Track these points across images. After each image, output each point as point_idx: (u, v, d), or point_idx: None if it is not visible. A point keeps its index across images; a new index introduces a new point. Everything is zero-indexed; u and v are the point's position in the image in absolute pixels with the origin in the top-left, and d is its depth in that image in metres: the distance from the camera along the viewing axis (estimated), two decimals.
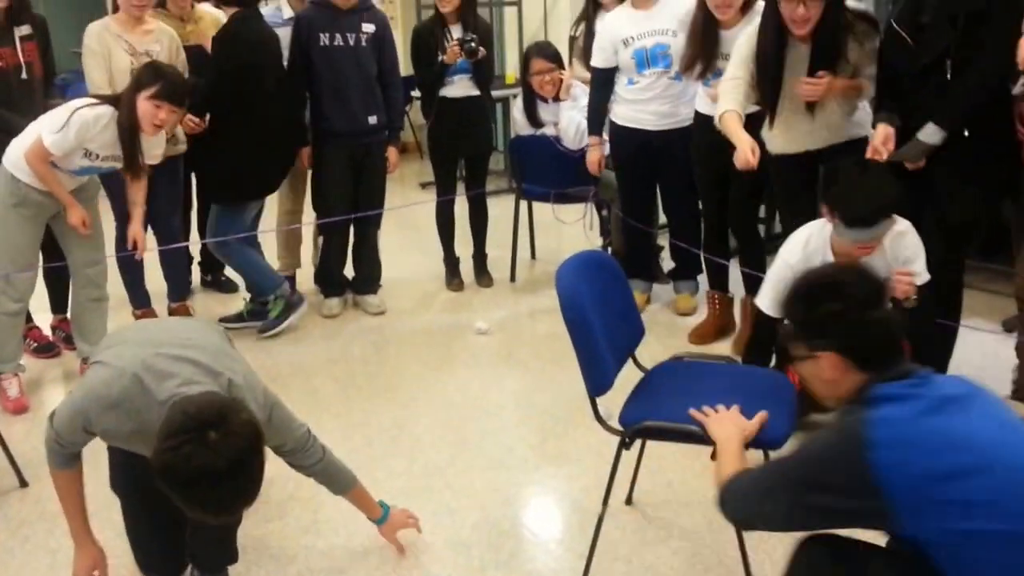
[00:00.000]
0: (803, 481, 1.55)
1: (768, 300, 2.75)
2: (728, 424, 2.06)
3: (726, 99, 3.04)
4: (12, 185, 3.24)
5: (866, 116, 3.13)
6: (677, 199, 4.03)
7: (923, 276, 2.68)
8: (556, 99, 4.31)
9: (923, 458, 1.44)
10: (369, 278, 4.36)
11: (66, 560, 2.46)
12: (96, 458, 3.05)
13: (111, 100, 3.23)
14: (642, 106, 3.81)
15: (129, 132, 3.19)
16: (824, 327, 1.61)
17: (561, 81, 4.29)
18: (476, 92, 4.29)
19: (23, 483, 2.86)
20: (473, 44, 4.10)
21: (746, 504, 1.71)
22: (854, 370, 1.60)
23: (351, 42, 3.93)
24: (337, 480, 2.33)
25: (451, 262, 4.64)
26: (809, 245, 2.70)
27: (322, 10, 3.92)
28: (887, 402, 1.52)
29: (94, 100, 3.22)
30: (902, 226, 2.69)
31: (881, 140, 2.86)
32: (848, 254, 2.58)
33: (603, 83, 3.88)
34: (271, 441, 2.07)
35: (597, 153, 3.98)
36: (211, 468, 1.68)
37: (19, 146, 3.22)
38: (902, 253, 2.70)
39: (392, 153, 4.17)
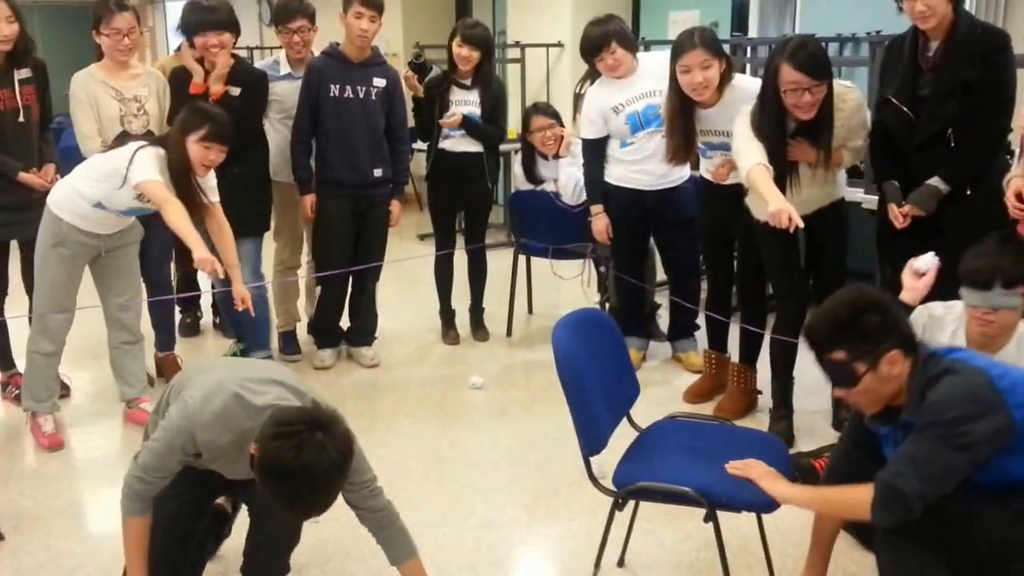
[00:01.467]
0: (958, 420, 1.79)
1: None
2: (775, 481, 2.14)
3: (749, 155, 2.97)
4: (55, 225, 3.24)
5: (842, 178, 3.31)
6: (674, 257, 4.04)
7: None
8: (556, 156, 4.36)
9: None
10: (364, 330, 4.35)
11: None
12: (79, 510, 3.02)
13: (157, 142, 3.22)
14: (638, 166, 3.85)
15: (181, 173, 3.16)
16: (880, 334, 1.88)
17: (562, 137, 4.35)
18: (476, 148, 4.31)
19: None
20: (421, 61, 4.27)
21: (915, 477, 1.83)
22: (909, 357, 1.90)
23: (361, 95, 3.96)
24: (397, 541, 2.23)
25: (447, 315, 4.63)
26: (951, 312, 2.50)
27: (334, 61, 3.97)
28: (954, 352, 1.90)
29: (144, 142, 3.20)
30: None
31: (897, 211, 3.01)
32: (972, 337, 2.40)
33: (596, 153, 3.92)
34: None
35: (603, 221, 3.96)
36: (315, 465, 1.81)
37: (65, 186, 3.23)
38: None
39: (395, 207, 4.17)
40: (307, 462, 1.81)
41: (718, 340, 3.82)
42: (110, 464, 3.32)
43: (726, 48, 3.51)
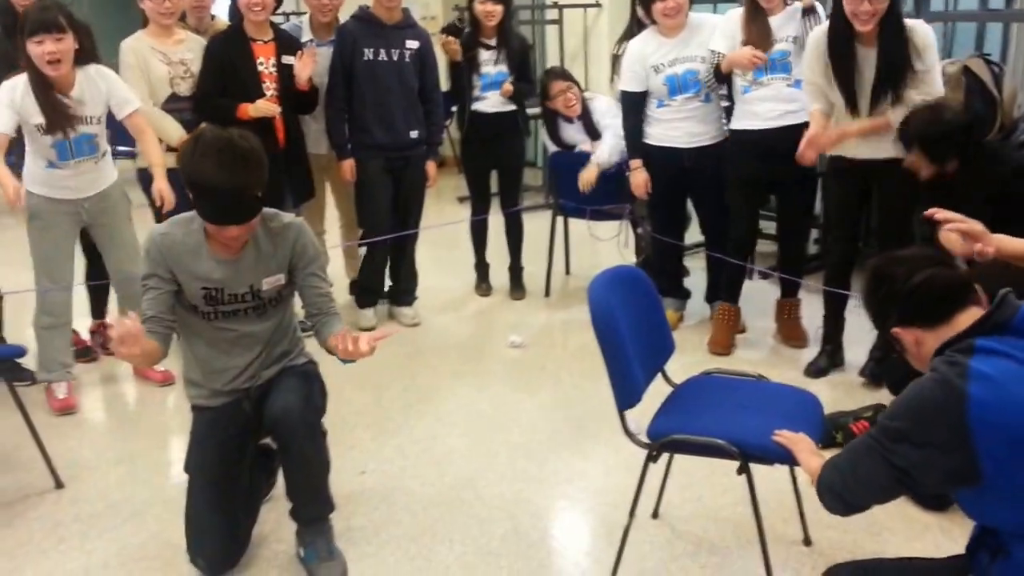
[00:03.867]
0: (900, 435, 1.54)
1: None
2: (812, 456, 2.00)
3: (811, 100, 3.37)
4: (28, 200, 3.30)
5: None
6: (711, 214, 4.04)
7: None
8: (580, 118, 4.35)
9: (1020, 420, 1.44)
10: (406, 290, 4.43)
11: (100, 562, 2.55)
12: (135, 460, 3.16)
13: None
14: (674, 125, 3.84)
15: (39, 87, 3.13)
16: (882, 310, 1.74)
17: (580, 98, 4.36)
18: (509, 107, 4.40)
19: (59, 484, 2.93)
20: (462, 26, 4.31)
21: (842, 474, 1.69)
22: (926, 331, 1.65)
23: (395, 57, 4.00)
24: (331, 325, 2.44)
25: (482, 268, 4.76)
26: None
27: (366, 24, 4.00)
28: (986, 355, 1.51)
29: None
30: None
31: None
32: None
33: (636, 106, 3.91)
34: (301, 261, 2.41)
35: (642, 176, 3.98)
36: (215, 143, 2.16)
37: (26, 160, 3.33)
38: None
39: (431, 167, 4.24)
40: (208, 146, 2.16)
41: (732, 292, 3.90)
42: (163, 417, 3.47)
43: None
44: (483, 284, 4.77)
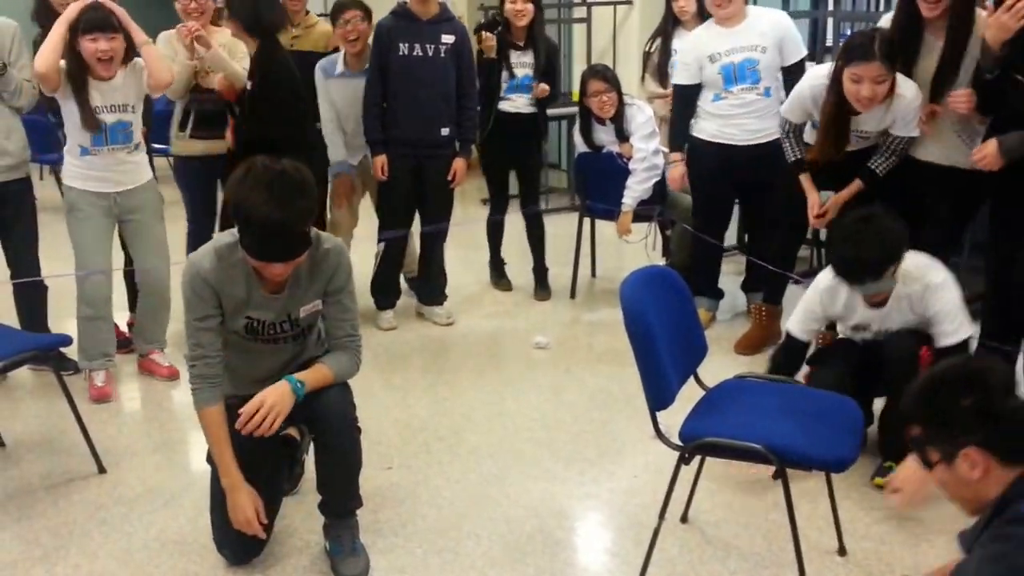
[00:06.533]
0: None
1: (797, 323, 2.83)
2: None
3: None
4: (65, 195, 3.47)
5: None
6: (759, 212, 3.97)
7: (954, 336, 2.63)
8: (612, 121, 4.33)
9: None
10: (436, 288, 4.41)
11: (140, 544, 2.57)
12: (172, 447, 3.17)
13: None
14: (731, 121, 3.77)
15: (77, 72, 3.26)
16: (965, 422, 1.50)
17: (620, 102, 4.30)
18: (531, 109, 4.43)
19: (102, 469, 2.97)
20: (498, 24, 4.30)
21: None
22: (1000, 465, 1.48)
23: (429, 52, 3.98)
24: (336, 359, 2.39)
25: (497, 264, 4.79)
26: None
27: (402, 19, 3.99)
28: None
29: None
30: (937, 279, 2.65)
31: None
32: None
33: (687, 100, 3.87)
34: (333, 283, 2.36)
35: (680, 169, 3.96)
36: (268, 177, 2.11)
37: (64, 156, 3.44)
38: (931, 308, 2.65)
39: (459, 164, 4.16)
40: (258, 178, 2.10)
41: (774, 294, 3.82)
42: None
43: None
44: (501, 280, 4.78)
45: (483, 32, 4.32)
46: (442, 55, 4.00)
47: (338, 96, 4.12)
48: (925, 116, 3.12)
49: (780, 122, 3.47)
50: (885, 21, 3.21)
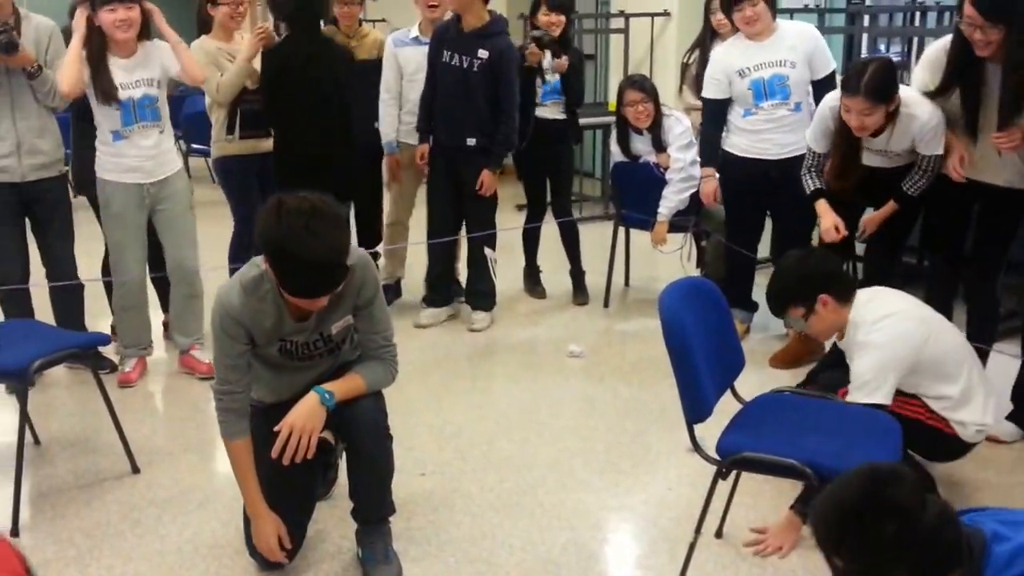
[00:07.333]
0: None
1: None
2: None
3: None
4: (101, 189, 3.56)
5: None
6: (789, 227, 3.92)
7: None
8: (649, 130, 4.32)
9: None
10: (479, 293, 4.42)
11: (174, 546, 2.59)
12: (206, 449, 3.21)
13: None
14: (762, 136, 3.76)
15: (98, 52, 3.38)
16: (889, 556, 1.38)
17: (657, 111, 4.30)
18: (562, 116, 4.55)
19: (135, 469, 3.00)
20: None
21: None
22: None
23: (464, 64, 4.04)
24: (368, 367, 2.39)
25: (532, 271, 4.85)
26: None
27: (452, 27, 4.11)
28: None
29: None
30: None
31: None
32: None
33: (716, 114, 3.86)
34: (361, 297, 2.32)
35: (712, 184, 3.95)
36: (301, 211, 2.04)
37: (97, 150, 3.53)
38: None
39: (486, 175, 4.15)
40: (292, 217, 2.03)
41: None
42: None
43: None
44: (536, 287, 4.83)
45: (533, 45, 4.31)
46: (475, 69, 4.04)
47: (407, 62, 4.29)
48: (1000, 147, 2.99)
49: (806, 152, 3.44)
50: (938, 47, 3.11)
